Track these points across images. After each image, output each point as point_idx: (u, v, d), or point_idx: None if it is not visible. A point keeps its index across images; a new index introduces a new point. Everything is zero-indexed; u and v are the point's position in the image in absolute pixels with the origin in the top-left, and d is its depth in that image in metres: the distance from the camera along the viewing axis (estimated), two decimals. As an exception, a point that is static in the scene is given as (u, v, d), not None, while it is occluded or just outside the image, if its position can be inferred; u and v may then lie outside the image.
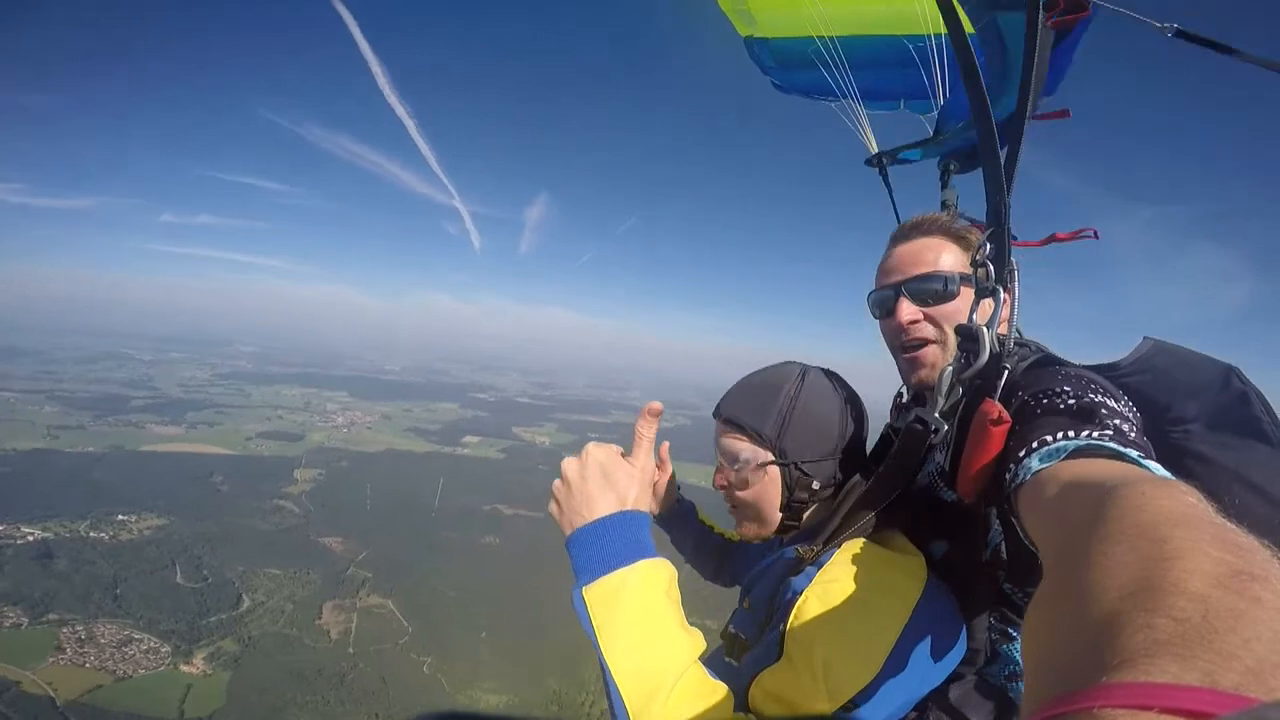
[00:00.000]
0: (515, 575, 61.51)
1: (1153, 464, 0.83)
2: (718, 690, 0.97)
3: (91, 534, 53.83)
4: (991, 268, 1.14)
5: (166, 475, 72.84)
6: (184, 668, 40.58)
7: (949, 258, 1.42)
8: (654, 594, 1.01)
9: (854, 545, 1.19)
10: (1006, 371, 1.08)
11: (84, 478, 67.72)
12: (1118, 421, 0.93)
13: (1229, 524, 0.50)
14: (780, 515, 1.35)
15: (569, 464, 1.17)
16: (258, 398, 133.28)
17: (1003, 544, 1.17)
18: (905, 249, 1.47)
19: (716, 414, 1.42)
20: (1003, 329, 1.14)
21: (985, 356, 1.10)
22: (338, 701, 40.31)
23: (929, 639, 1.09)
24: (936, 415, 1.15)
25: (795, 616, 1.07)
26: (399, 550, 62.38)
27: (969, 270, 1.32)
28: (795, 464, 1.32)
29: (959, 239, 1.44)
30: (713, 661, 1.37)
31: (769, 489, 1.34)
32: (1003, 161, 1.14)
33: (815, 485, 1.32)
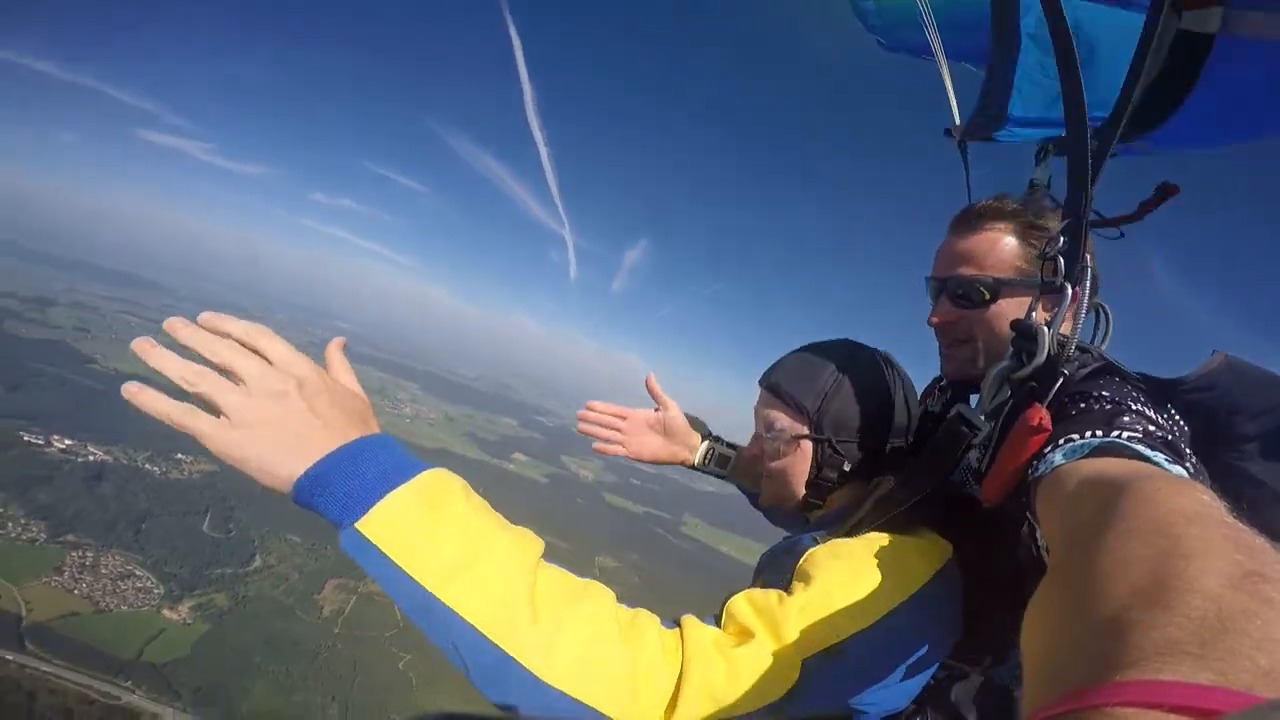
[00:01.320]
0: None
1: (1174, 466, 0.81)
2: (604, 595, 0.86)
3: (146, 466, 57.59)
4: (1062, 263, 1.06)
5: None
6: (166, 613, 41.51)
7: (1005, 254, 1.34)
8: (458, 498, 0.78)
9: (877, 534, 1.12)
10: (1063, 378, 1.01)
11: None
12: (1150, 427, 0.90)
13: (1241, 524, 0.50)
14: (805, 491, 1.33)
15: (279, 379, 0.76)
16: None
17: (1034, 546, 1.07)
18: (961, 241, 1.39)
19: (762, 381, 1.40)
20: (1065, 328, 1.07)
21: (1041, 359, 1.02)
22: (300, 676, 40.12)
23: (924, 624, 1.03)
24: (981, 415, 1.09)
25: (804, 560, 1.04)
26: (415, 548, 62.84)
27: (1026, 267, 1.31)
28: (829, 441, 1.28)
29: (1029, 229, 1.34)
30: None
31: (799, 462, 1.31)
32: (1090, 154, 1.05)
33: (845, 466, 1.28)
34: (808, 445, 1.30)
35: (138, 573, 44.12)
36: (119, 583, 42.59)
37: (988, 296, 1.33)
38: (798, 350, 1.40)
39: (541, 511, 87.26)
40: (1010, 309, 1.31)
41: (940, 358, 1.49)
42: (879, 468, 1.26)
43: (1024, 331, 1.07)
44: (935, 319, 1.41)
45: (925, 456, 1.15)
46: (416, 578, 0.71)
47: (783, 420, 1.31)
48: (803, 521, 1.44)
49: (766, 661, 0.89)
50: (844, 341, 1.40)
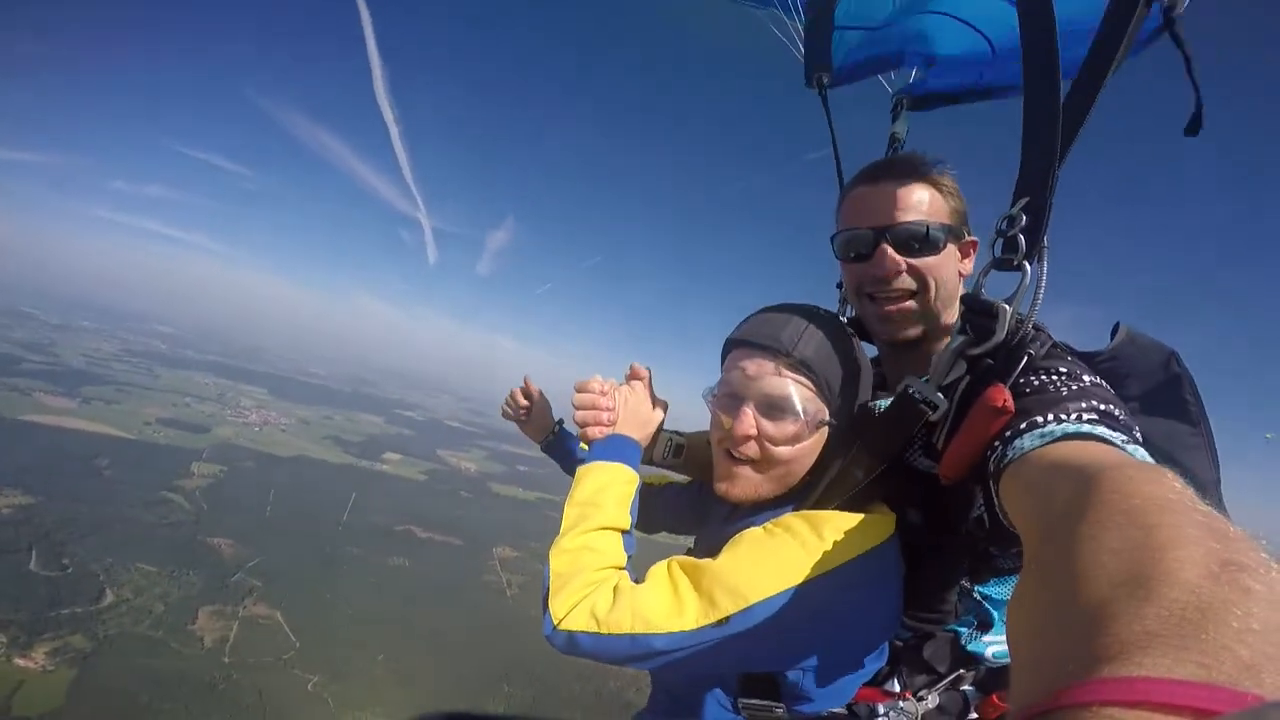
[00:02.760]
0: (422, 600, 58.48)
1: (1140, 449, 0.82)
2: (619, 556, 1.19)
3: (-60, 504, 47.38)
4: (1023, 240, 1.02)
5: (45, 451, 65.92)
6: (19, 661, 35.48)
7: (939, 205, 1.29)
8: (618, 478, 1.28)
9: (820, 512, 1.16)
10: (1027, 357, 1.00)
11: (-54, 441, 60.25)
12: (1107, 407, 0.91)
13: (1213, 511, 0.50)
14: (804, 479, 1.25)
15: (623, 390, 1.43)
16: (167, 381, 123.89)
17: (985, 514, 1.10)
18: (886, 189, 1.31)
19: (768, 345, 1.21)
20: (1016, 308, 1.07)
21: (1000, 336, 1.03)
22: (202, 712, 36.13)
23: (837, 602, 1.06)
24: (938, 392, 1.06)
25: (736, 535, 1.12)
26: (296, 561, 57.98)
27: (953, 224, 1.30)
28: (846, 429, 1.24)
29: (939, 187, 1.31)
30: None
31: (813, 450, 1.22)
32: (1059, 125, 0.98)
33: (839, 464, 1.22)
34: (824, 431, 1.22)
35: (-34, 623, 36.83)
36: (-54, 637, 35.40)
37: (936, 243, 1.26)
38: (792, 314, 1.26)
39: (426, 510, 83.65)
40: (950, 260, 1.29)
41: (871, 318, 1.38)
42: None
43: (981, 308, 1.06)
44: (890, 268, 1.27)
45: (879, 433, 1.14)
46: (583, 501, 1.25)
47: (812, 403, 1.19)
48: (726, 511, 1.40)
49: (651, 603, 1.04)
50: (831, 314, 1.32)
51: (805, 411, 1.17)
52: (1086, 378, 0.99)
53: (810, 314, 1.26)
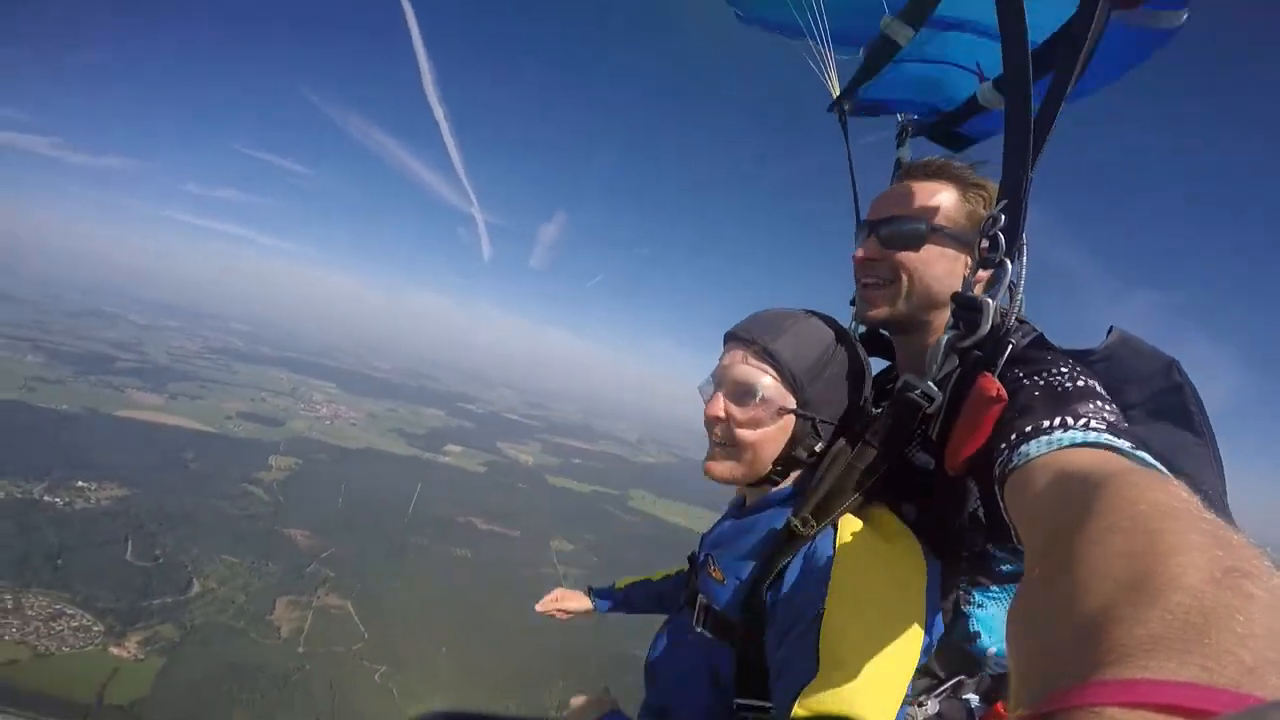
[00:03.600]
0: (484, 591, 59.38)
1: (1144, 454, 0.83)
2: None
3: (45, 498, 51.22)
4: (1002, 239, 1.08)
5: (138, 445, 70.26)
6: (114, 650, 37.69)
7: (940, 204, 1.34)
8: None
9: (850, 524, 1.16)
10: (1010, 347, 1.05)
11: (53, 437, 65.12)
12: (1107, 411, 0.93)
13: (1218, 519, 0.50)
14: (770, 468, 1.28)
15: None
16: (244, 376, 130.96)
17: (981, 509, 1.13)
18: (899, 187, 1.41)
19: (743, 336, 1.29)
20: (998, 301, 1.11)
21: (986, 329, 1.07)
22: (279, 702, 37.67)
23: (931, 624, 1.12)
24: (931, 385, 1.11)
25: (826, 628, 1.04)
26: (366, 552, 59.92)
27: (963, 223, 1.32)
28: (814, 420, 1.25)
29: (970, 186, 1.36)
30: (679, 627, 1.47)
31: (776, 436, 1.25)
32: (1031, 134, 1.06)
33: (818, 448, 1.26)
34: (790, 420, 1.25)
35: (69, 611, 39.30)
36: (51, 624, 37.86)
37: (915, 240, 1.33)
38: (781, 313, 1.32)
39: (486, 501, 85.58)
40: (937, 258, 1.33)
41: (857, 302, 1.49)
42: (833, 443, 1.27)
43: (967, 303, 1.10)
44: (859, 253, 1.40)
45: (880, 430, 1.16)
46: None
47: (772, 388, 1.24)
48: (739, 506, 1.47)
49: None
50: (823, 315, 1.35)
51: (764, 398, 1.23)
52: (1086, 381, 1.00)
53: (797, 314, 1.33)
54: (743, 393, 1.25)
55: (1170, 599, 0.39)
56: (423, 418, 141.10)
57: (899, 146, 2.08)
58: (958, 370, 1.12)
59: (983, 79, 1.86)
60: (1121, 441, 0.83)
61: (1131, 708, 0.31)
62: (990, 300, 1.07)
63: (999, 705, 1.30)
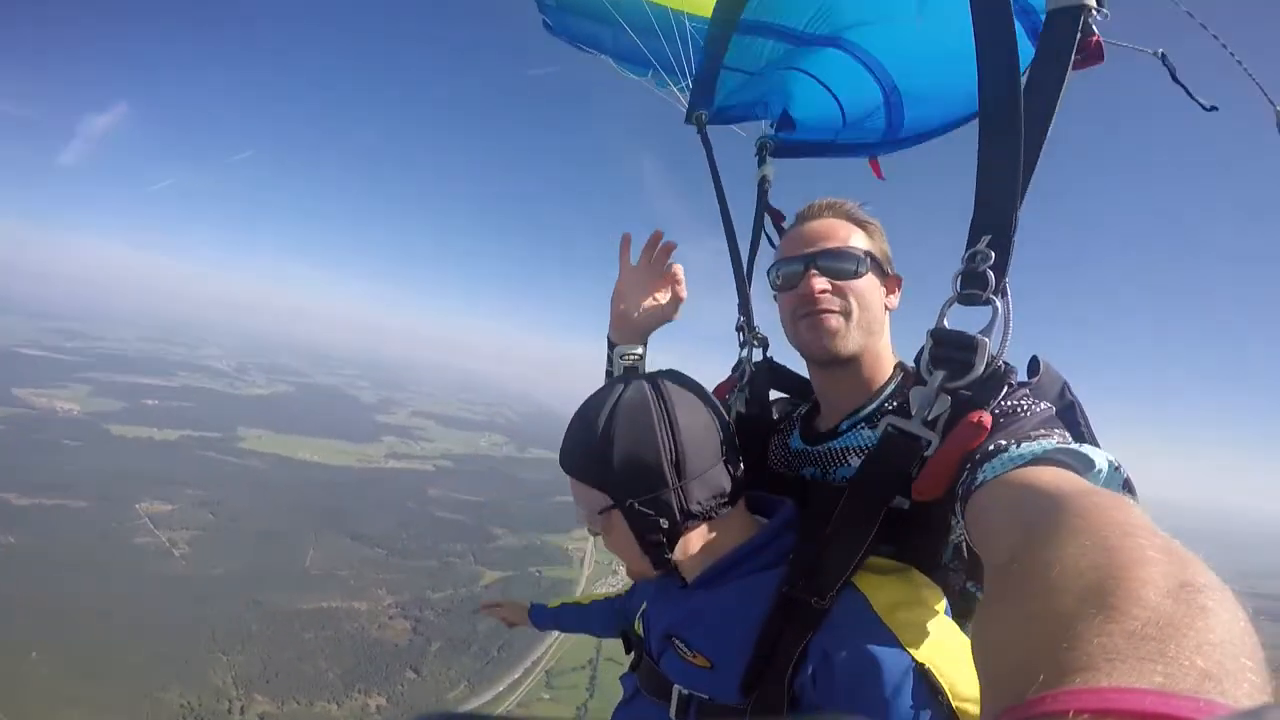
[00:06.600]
0: (52, 581, 48.36)
1: (1096, 452, 0.88)
2: None
3: None
4: (991, 276, 1.02)
5: None
6: None
7: (860, 233, 1.40)
8: None
9: (866, 583, 1.08)
10: (1006, 388, 1.03)
11: None
12: (1059, 434, 0.98)
13: (1169, 536, 0.54)
14: (647, 558, 1.21)
15: None
16: None
17: (965, 544, 1.15)
18: (818, 225, 1.42)
19: (559, 461, 1.26)
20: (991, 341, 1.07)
21: (980, 370, 1.03)
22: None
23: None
24: (923, 426, 1.06)
25: (936, 673, 0.95)
26: None
27: (878, 254, 1.39)
28: (634, 505, 1.16)
29: (865, 228, 1.42)
30: (641, 709, 1.38)
31: (621, 533, 1.21)
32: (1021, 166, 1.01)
33: (664, 524, 1.15)
34: (617, 516, 1.19)
35: None
36: None
37: (864, 269, 1.35)
38: (578, 410, 1.26)
39: (17, 470, 64.85)
40: (875, 288, 1.37)
41: (802, 335, 1.41)
42: (730, 496, 1.19)
43: (955, 341, 1.07)
44: (816, 288, 1.35)
45: (868, 481, 1.10)
46: None
47: (583, 498, 1.22)
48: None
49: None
50: (614, 382, 1.28)
51: (579, 507, 1.25)
52: (1040, 402, 1.06)
53: (581, 405, 1.27)
54: (580, 512, 1.25)
55: (1130, 612, 0.42)
56: None
57: (760, 165, 2.08)
58: (948, 412, 1.06)
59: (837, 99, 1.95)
60: (1077, 460, 0.86)
61: (1097, 714, 0.33)
62: (985, 339, 1.04)
63: None
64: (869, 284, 1.36)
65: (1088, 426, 1.16)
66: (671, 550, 1.20)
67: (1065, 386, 1.20)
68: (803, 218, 1.48)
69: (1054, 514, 0.64)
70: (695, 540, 1.20)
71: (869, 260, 1.36)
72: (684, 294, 1.63)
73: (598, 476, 1.18)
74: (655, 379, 1.25)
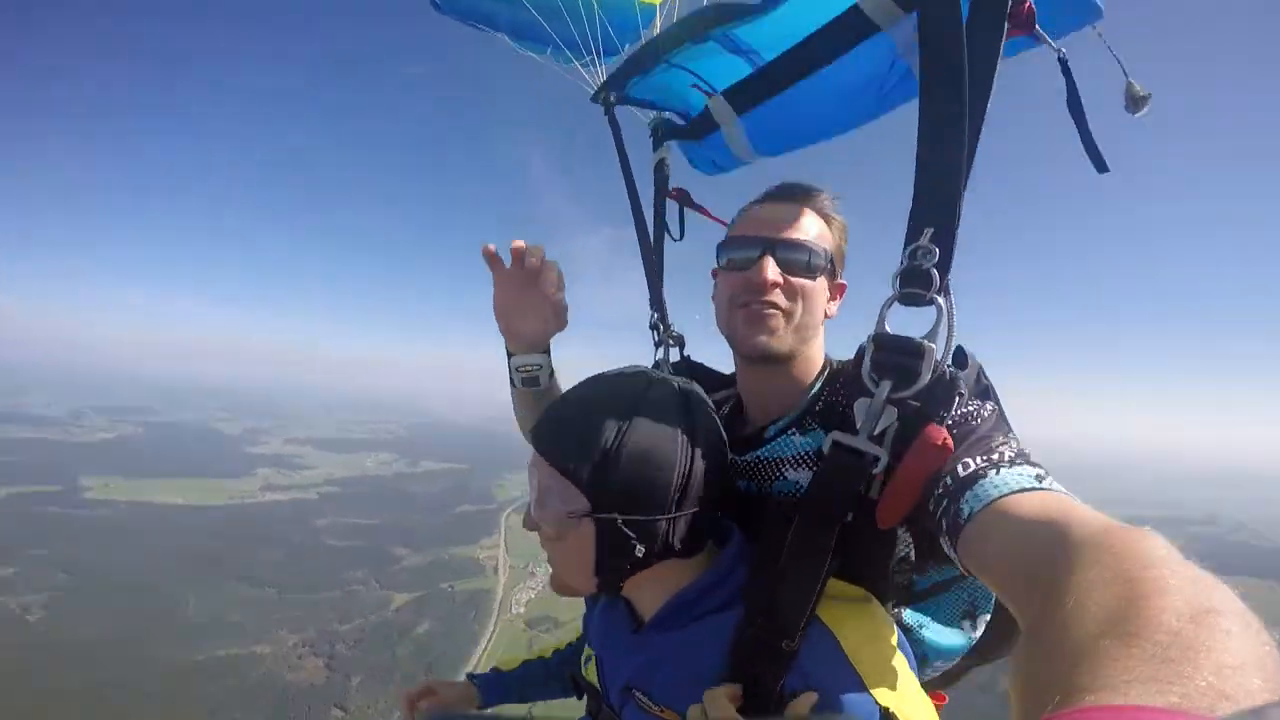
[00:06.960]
0: None
1: (1059, 488, 0.86)
2: None
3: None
4: (936, 276, 0.96)
5: None
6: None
7: (823, 231, 1.29)
8: None
9: (832, 617, 0.99)
10: (959, 398, 0.97)
11: None
12: (1014, 438, 0.96)
13: (1191, 563, 0.54)
14: (595, 579, 1.08)
15: None
16: None
17: (912, 552, 1.14)
18: (786, 209, 1.28)
19: (531, 438, 1.11)
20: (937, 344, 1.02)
21: (928, 378, 0.97)
22: None
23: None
24: (869, 442, 0.98)
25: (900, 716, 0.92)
26: None
27: (835, 254, 1.29)
28: (617, 521, 1.01)
29: (830, 223, 1.31)
30: None
31: (581, 546, 1.04)
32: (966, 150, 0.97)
33: (639, 552, 1.03)
34: (589, 525, 1.02)
35: None
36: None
37: (814, 269, 1.25)
38: (573, 390, 1.12)
39: None
40: (823, 290, 1.28)
41: (738, 325, 1.29)
42: (701, 533, 1.10)
43: (903, 347, 1.00)
44: (770, 277, 1.22)
45: (818, 504, 1.01)
46: None
47: (557, 491, 1.02)
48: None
49: None
50: (636, 374, 1.12)
51: (545, 500, 1.05)
52: (989, 404, 1.03)
53: (584, 386, 1.12)
54: (538, 499, 1.06)
55: (1151, 637, 0.43)
56: None
57: (655, 148, 2.02)
58: (896, 425, 0.99)
59: (710, 94, 1.81)
60: (1053, 484, 0.84)
61: None
62: (932, 345, 0.98)
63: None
64: (819, 287, 1.27)
65: (998, 400, 1.15)
66: (629, 578, 1.10)
67: (980, 371, 1.17)
68: (771, 196, 1.35)
69: (1067, 546, 0.62)
70: (654, 572, 1.09)
71: (828, 263, 1.27)
72: (564, 302, 1.45)
73: (589, 479, 1.00)
74: (687, 390, 1.13)
